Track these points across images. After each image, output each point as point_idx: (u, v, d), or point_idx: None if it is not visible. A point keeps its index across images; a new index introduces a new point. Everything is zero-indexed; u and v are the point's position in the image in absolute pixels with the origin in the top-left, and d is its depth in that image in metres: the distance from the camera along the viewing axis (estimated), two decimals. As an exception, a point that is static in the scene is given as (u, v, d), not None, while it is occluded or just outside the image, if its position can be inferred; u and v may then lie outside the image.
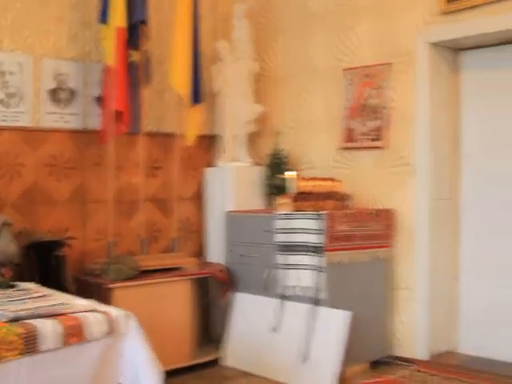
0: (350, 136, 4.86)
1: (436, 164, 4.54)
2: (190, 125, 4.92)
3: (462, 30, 4.27)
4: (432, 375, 4.21)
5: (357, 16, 4.85)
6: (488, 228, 4.56)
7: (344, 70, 4.92)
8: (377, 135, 4.69)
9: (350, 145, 4.86)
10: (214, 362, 4.70)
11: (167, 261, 4.76)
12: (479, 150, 4.61)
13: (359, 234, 4.37)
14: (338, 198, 4.45)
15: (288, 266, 4.43)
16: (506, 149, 4.47)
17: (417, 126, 4.51)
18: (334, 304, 4.22)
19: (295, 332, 4.32)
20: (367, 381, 4.17)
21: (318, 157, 5.13)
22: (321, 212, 4.26)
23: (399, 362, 4.53)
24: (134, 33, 4.51)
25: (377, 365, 4.49)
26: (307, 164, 5.19)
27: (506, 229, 4.47)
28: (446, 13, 4.30)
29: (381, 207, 4.63)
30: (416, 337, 4.55)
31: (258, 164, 5.34)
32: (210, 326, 5.19)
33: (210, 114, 5.37)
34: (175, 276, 4.59)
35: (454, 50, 4.60)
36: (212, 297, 5.10)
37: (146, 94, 4.79)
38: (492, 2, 4.10)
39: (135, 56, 4.56)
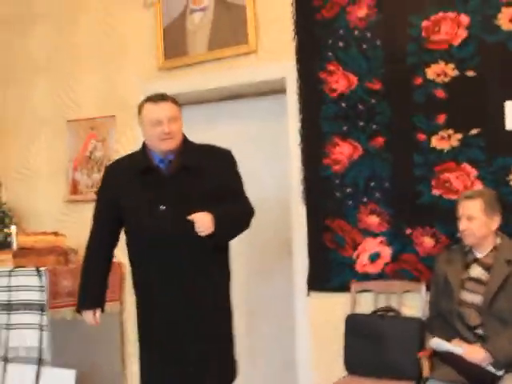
0: (75, 188, 4.80)
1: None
2: None
3: (180, 85, 4.41)
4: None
5: (81, 67, 4.85)
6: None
7: (68, 121, 4.86)
8: (102, 187, 4.67)
9: (75, 197, 4.80)
10: None
11: None
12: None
13: (85, 289, 4.27)
14: (61, 253, 4.31)
15: (11, 326, 4.19)
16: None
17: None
18: (59, 363, 4.06)
19: (20, 396, 4.09)
20: None
21: (45, 210, 4.97)
22: (41, 268, 4.11)
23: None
24: None
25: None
26: (34, 218, 5.01)
27: None
28: (165, 69, 4.46)
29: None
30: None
31: (-21, 218, 5.04)
32: None
33: None
34: None
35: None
36: None
37: None
38: (207, 61, 4.34)
39: None
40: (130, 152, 4.51)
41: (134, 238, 3.10)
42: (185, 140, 3.17)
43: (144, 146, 3.18)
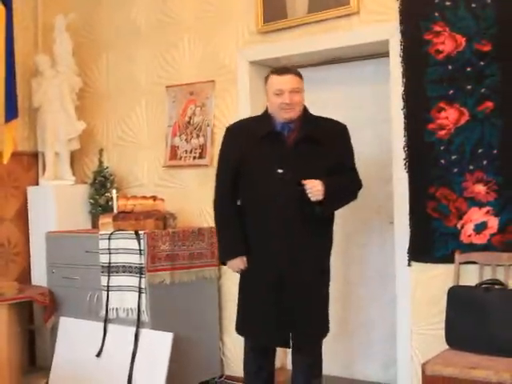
0: (174, 154, 4.82)
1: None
2: (4, 142, 4.65)
3: (279, 49, 4.35)
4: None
5: (179, 33, 4.83)
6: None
7: (167, 87, 4.88)
8: (201, 153, 4.69)
9: (174, 163, 4.82)
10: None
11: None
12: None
13: (183, 254, 4.31)
14: (160, 217, 4.34)
15: (111, 288, 4.29)
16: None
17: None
18: (157, 326, 4.14)
19: (119, 356, 4.19)
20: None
21: (144, 175, 5.04)
22: (140, 231, 4.17)
23: (229, 382, 4.51)
24: None
25: (207, 386, 4.40)
26: (134, 182, 5.09)
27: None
28: (264, 32, 4.38)
29: (206, 226, 4.59)
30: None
31: (82, 182, 5.19)
32: (36, 352, 4.97)
33: (32, 130, 5.17)
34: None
35: (275, 68, 4.67)
36: (38, 322, 4.87)
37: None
38: (307, 23, 4.22)
39: None
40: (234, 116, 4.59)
41: (249, 195, 3.38)
42: (305, 111, 3.40)
43: (267, 111, 3.42)
